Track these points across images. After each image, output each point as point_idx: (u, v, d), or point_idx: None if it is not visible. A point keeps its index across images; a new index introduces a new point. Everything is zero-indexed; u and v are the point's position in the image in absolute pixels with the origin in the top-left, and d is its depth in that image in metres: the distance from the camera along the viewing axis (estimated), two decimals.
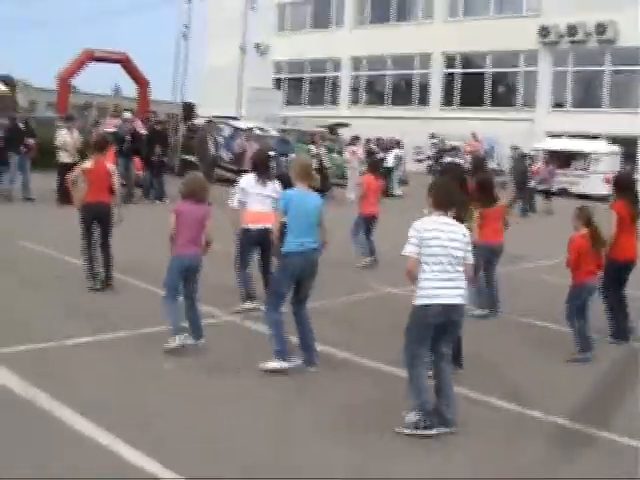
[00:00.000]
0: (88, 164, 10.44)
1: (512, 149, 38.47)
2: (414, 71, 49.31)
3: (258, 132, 26.81)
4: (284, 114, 41.10)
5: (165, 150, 21.83)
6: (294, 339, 7.73)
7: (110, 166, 10.60)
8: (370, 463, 5.56)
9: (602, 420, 6.71)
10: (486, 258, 10.24)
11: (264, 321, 7.81)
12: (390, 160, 28.68)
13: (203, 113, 37.55)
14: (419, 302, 6.09)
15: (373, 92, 52.42)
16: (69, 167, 14.68)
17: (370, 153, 27.85)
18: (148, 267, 10.61)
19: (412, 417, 6.10)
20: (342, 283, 11.05)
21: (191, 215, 7.90)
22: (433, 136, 41.81)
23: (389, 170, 28.55)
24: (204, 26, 53.65)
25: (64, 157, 18.03)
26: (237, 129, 27.57)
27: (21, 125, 19.24)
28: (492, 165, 36.79)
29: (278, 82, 54.76)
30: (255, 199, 9.36)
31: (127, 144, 19.97)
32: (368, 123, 40.34)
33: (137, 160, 21.06)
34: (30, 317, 8.78)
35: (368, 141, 30.51)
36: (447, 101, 47.52)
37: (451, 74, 47.56)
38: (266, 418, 6.29)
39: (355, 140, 28.35)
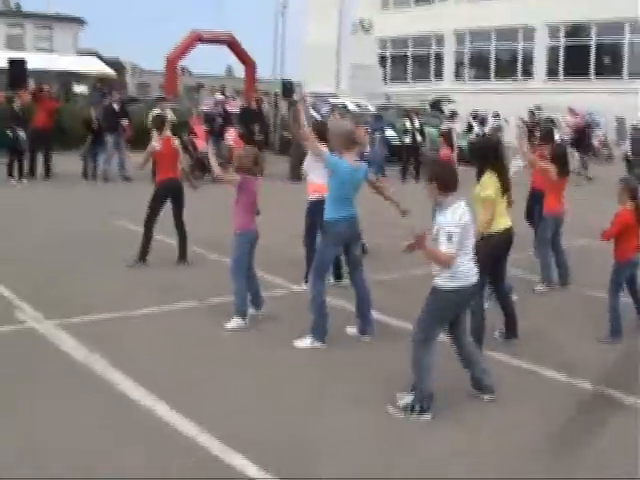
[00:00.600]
0: (154, 144, 10.77)
1: (618, 121, 37.56)
2: (518, 44, 48.35)
3: (352, 108, 26.91)
4: (387, 90, 41.03)
5: (262, 128, 22.21)
6: (351, 307, 7.90)
7: (176, 143, 10.94)
8: (395, 433, 5.67)
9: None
10: (553, 228, 10.16)
11: (309, 291, 7.79)
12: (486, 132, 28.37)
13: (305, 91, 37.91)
14: (454, 285, 5.95)
15: (477, 66, 51.65)
16: None
17: (470, 127, 27.68)
18: (227, 240, 10.86)
19: (407, 399, 5.96)
20: (409, 256, 11.11)
21: (253, 191, 8.05)
22: (538, 108, 40.98)
23: None
24: (305, 4, 53.93)
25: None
26: (331, 106, 27.75)
27: (116, 107, 19.89)
28: (598, 138, 35.89)
29: (382, 59, 54.46)
30: (320, 172, 9.20)
31: (218, 124, 20.43)
32: (472, 97, 39.86)
33: (233, 137, 21.55)
34: (103, 289, 9.25)
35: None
36: (551, 73, 46.44)
37: (555, 46, 46.44)
38: (314, 389, 6.45)
39: (453, 116, 28.10)
